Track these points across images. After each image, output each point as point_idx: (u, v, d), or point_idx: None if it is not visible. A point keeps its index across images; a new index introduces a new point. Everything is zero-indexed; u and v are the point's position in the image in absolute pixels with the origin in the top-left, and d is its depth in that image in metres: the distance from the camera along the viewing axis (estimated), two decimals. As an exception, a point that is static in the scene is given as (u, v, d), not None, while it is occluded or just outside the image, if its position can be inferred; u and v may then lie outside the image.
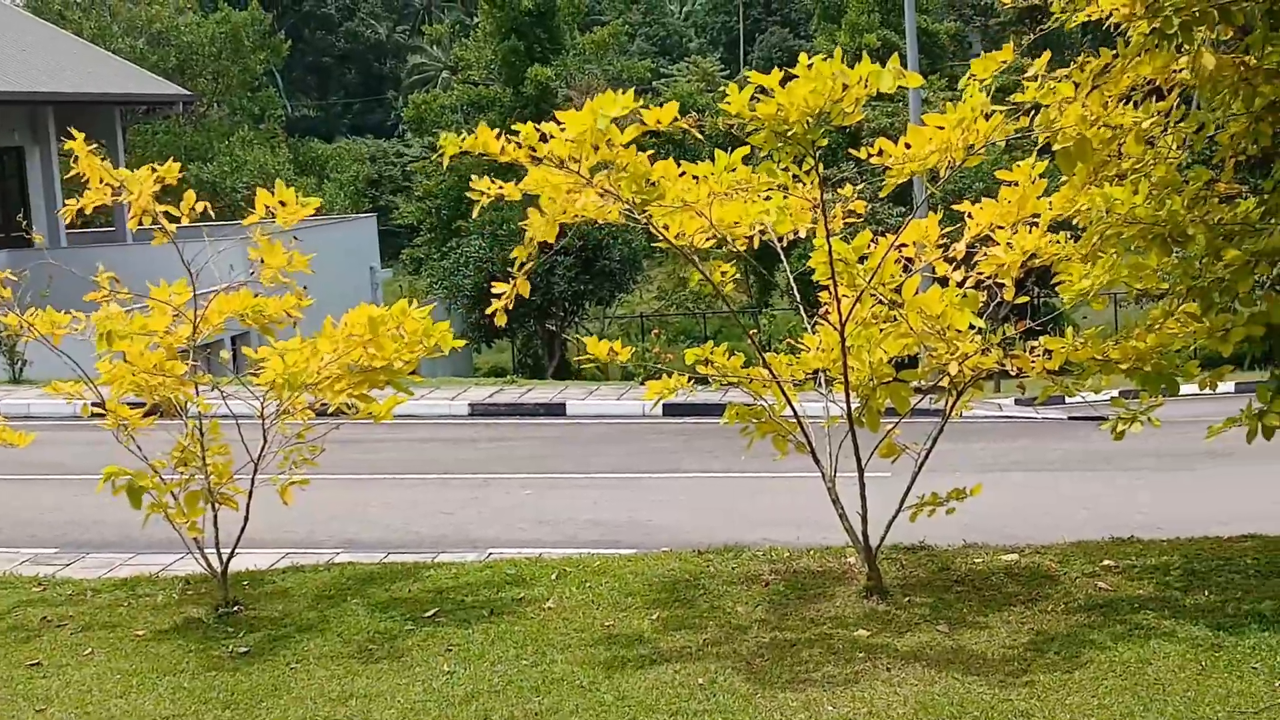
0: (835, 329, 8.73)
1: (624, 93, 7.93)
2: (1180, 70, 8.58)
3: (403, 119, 65.80)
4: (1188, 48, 8.16)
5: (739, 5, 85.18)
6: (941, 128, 8.21)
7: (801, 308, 10.26)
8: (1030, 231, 8.93)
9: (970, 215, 9.14)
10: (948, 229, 9.17)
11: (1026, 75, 8.52)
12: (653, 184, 8.17)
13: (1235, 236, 8.39)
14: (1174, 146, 8.86)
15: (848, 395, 8.93)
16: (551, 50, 51.30)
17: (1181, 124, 8.77)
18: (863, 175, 28.76)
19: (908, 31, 27.34)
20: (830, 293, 8.77)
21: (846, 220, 9.53)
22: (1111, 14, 8.49)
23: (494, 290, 9.46)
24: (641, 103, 7.98)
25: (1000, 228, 8.97)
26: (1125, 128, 8.48)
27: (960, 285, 8.99)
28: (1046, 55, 8.51)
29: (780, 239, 9.26)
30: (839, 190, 9.66)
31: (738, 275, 10.05)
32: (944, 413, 9.28)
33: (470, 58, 56.82)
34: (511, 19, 50.12)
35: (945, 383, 9.02)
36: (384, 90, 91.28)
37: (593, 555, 10.75)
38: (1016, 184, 8.89)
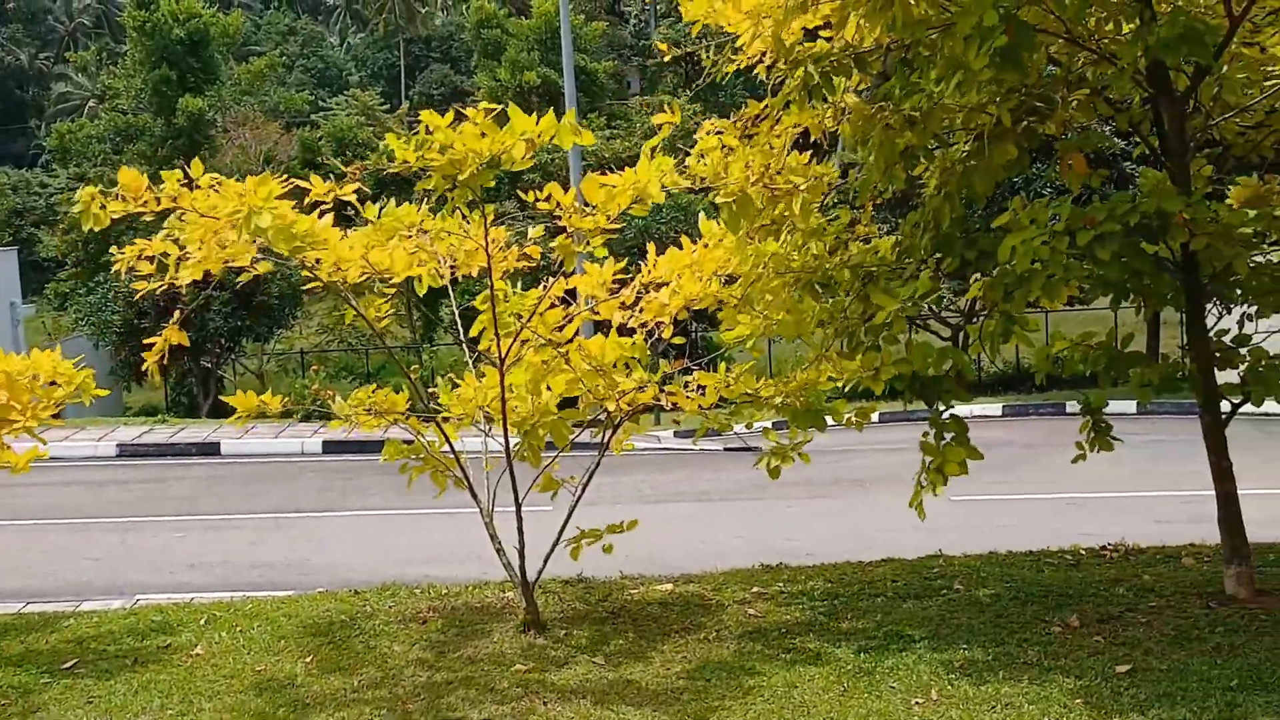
0: (496, 367, 8.75)
1: (268, 182, 7.80)
2: (827, 119, 8.95)
3: (46, 148, 62.88)
4: (831, 97, 8.52)
5: (400, 41, 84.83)
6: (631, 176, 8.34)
7: (464, 344, 10.22)
8: (695, 278, 9.14)
9: (644, 262, 9.29)
10: (619, 273, 9.27)
11: (703, 132, 8.70)
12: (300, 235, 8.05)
13: (877, 277, 8.76)
14: (821, 192, 9.19)
15: (505, 431, 8.94)
16: (205, 80, 49.89)
17: (825, 165, 9.11)
18: (524, 210, 28.94)
19: (565, 70, 27.59)
20: (492, 331, 8.77)
21: (521, 264, 9.49)
22: (763, 61, 8.78)
23: (146, 341, 9.03)
24: (289, 176, 7.88)
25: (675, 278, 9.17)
26: (784, 190, 8.74)
27: (624, 327, 9.13)
28: (708, 124, 8.72)
29: (453, 274, 9.20)
30: (532, 232, 9.58)
31: (398, 311, 9.93)
32: (601, 446, 9.40)
33: (119, 86, 54.74)
34: (162, 48, 48.51)
35: (604, 418, 9.15)
36: (26, 118, 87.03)
37: (245, 598, 10.43)
38: (699, 236, 9.16)
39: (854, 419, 9.24)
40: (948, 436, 8.62)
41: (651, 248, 9.43)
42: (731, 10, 8.67)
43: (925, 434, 8.78)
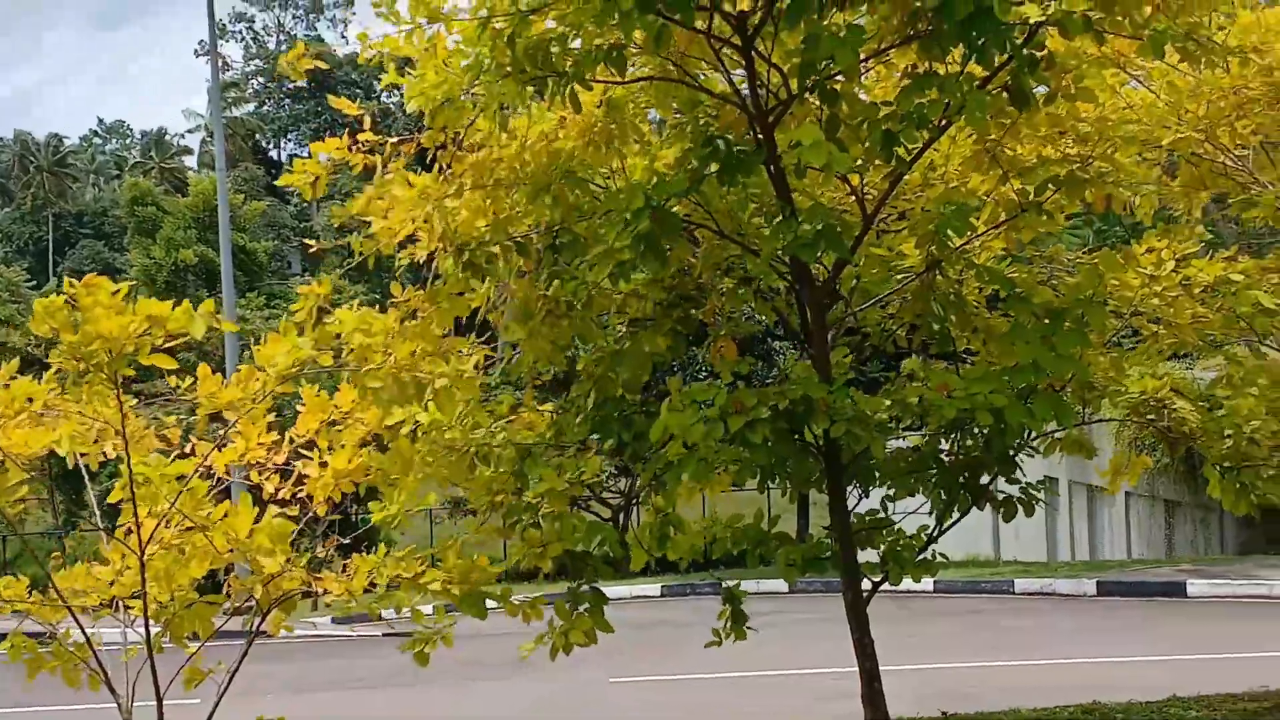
0: (135, 552, 8.36)
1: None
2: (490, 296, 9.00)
3: None
4: (491, 279, 8.60)
5: (49, 215, 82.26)
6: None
7: (104, 529, 9.73)
8: (342, 450, 8.95)
9: (292, 429, 9.06)
10: (270, 440, 9.01)
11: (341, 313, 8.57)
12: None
13: (536, 455, 8.78)
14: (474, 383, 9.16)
15: (146, 620, 8.51)
16: None
17: (483, 348, 9.11)
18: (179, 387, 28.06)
19: (223, 249, 27.25)
20: (132, 514, 8.40)
21: (163, 445, 9.13)
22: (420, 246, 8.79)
23: None
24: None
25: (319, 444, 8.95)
26: (434, 376, 8.66)
27: (276, 497, 8.86)
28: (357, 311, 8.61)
29: (85, 457, 8.79)
30: (165, 419, 9.23)
31: (39, 495, 9.43)
32: (250, 635, 9.04)
33: None
34: None
35: (253, 604, 8.82)
36: None
37: None
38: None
39: (527, 609, 9.09)
40: (583, 607, 8.61)
41: (308, 392, 9.21)
42: (384, 205, 8.68)
43: (560, 601, 8.74)
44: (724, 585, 9.11)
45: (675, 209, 7.70)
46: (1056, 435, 8.74)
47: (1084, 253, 9.07)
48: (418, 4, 7.66)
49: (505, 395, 9.38)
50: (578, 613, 8.65)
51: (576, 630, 8.58)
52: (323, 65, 8.93)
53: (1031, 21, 6.31)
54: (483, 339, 9.17)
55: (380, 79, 8.59)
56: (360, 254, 8.96)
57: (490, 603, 9.01)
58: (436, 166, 8.51)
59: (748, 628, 9.04)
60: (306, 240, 64.44)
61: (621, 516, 9.33)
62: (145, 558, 8.34)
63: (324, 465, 8.90)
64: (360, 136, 8.67)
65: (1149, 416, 8.67)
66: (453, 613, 8.89)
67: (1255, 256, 9.01)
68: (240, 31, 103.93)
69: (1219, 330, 8.63)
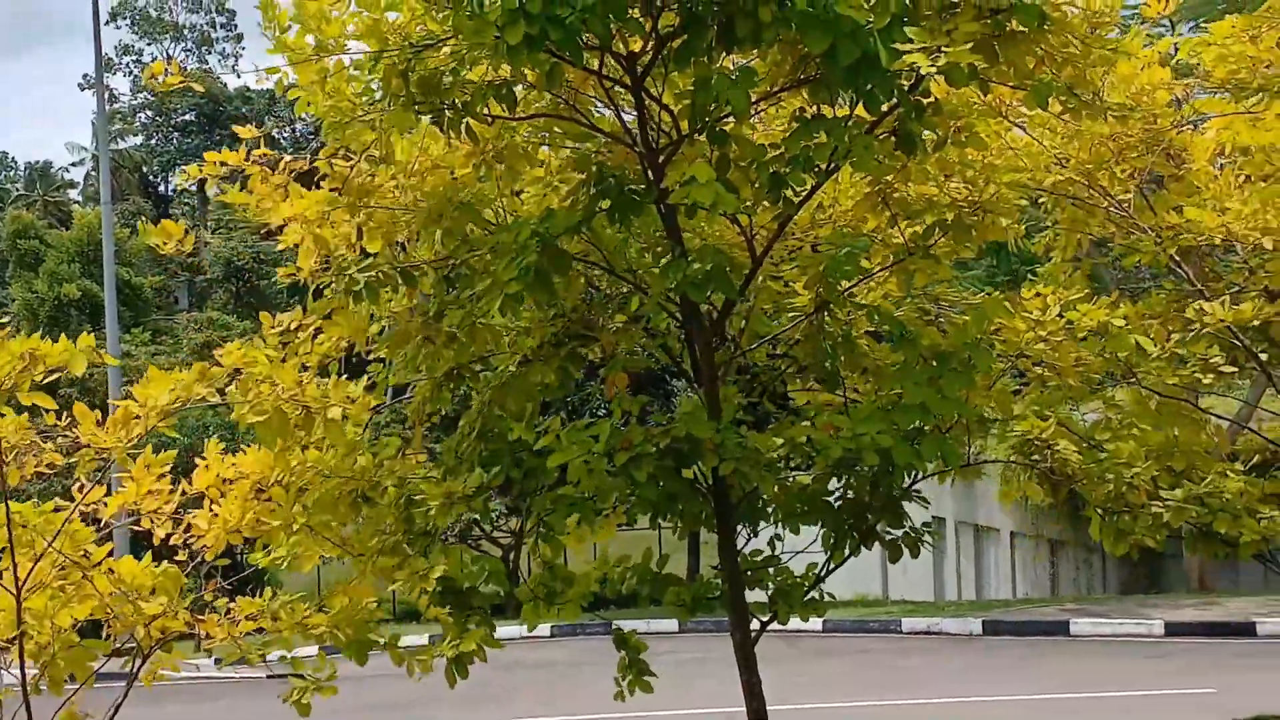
0: (11, 592, 8.16)
1: None
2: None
3: None
4: (376, 308, 8.52)
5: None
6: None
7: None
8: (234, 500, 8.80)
9: (190, 480, 8.90)
10: (162, 487, 8.84)
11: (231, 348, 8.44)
12: None
13: (426, 499, 8.65)
14: (364, 410, 9.06)
15: (22, 662, 8.31)
16: None
17: (371, 391, 9.00)
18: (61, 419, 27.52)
19: (107, 284, 26.81)
20: (9, 553, 8.20)
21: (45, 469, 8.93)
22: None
23: None
24: None
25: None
26: (317, 409, 8.53)
27: (166, 543, 8.70)
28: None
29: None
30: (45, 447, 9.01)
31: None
32: (130, 677, 8.86)
33: None
34: None
35: (134, 646, 8.65)
36: None
37: None
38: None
39: (412, 661, 8.90)
40: (472, 626, 8.46)
41: (212, 448, 9.06)
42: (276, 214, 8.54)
43: (448, 621, 8.60)
44: (617, 631, 8.94)
45: (568, 245, 7.69)
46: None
47: (972, 293, 9.17)
48: (302, 34, 7.55)
49: (393, 439, 9.25)
50: (468, 631, 8.48)
51: (469, 641, 8.40)
52: (197, 87, 8.81)
53: (921, 70, 6.38)
54: (358, 369, 9.04)
55: (268, 119, 8.51)
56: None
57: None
58: (326, 184, 8.40)
59: (645, 675, 8.87)
60: (196, 274, 63.71)
61: (512, 555, 9.25)
62: (23, 597, 8.16)
63: (215, 515, 8.76)
64: (255, 152, 8.55)
65: (1034, 457, 8.78)
66: (335, 656, 8.78)
67: (1136, 301, 9.20)
68: (128, 64, 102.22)
69: (1100, 373, 8.77)
